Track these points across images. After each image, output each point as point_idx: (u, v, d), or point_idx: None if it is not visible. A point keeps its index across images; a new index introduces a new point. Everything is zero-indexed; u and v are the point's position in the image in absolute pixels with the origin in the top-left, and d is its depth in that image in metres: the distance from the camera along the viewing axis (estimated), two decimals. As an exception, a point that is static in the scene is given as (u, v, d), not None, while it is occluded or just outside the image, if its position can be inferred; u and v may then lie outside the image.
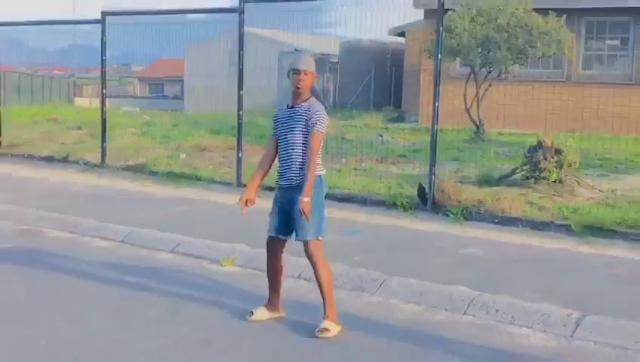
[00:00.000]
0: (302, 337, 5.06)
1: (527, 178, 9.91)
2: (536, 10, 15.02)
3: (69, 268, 6.74)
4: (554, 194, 9.38)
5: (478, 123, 15.46)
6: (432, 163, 9.05)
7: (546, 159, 9.66)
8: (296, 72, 5.06)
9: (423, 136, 13.98)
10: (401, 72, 24.36)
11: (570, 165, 9.72)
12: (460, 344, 5.00)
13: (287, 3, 12.21)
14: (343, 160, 12.29)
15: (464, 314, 5.57)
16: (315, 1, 11.82)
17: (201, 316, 5.49)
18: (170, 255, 7.30)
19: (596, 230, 7.87)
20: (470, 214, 8.61)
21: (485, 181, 10.07)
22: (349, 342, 4.97)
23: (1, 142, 14.55)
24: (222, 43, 22.88)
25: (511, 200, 8.89)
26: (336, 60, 26.56)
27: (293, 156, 5.10)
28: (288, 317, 5.38)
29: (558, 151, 9.72)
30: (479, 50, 15.08)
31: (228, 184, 10.79)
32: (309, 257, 5.07)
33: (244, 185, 10.38)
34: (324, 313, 5.06)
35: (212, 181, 11.09)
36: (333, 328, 5.00)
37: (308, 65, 5.10)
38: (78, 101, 38.95)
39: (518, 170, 10.17)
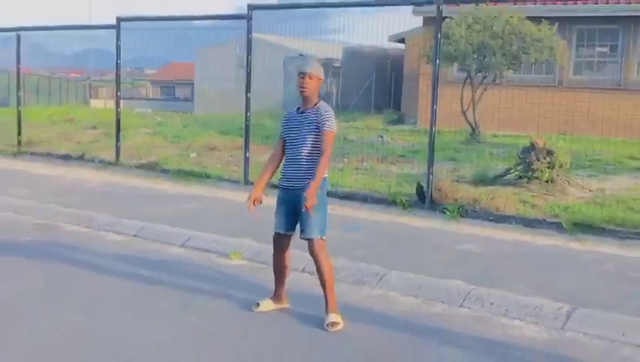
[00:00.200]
0: (306, 328, 5.07)
1: (521, 178, 9.90)
2: (530, 18, 15.00)
3: (84, 261, 6.75)
4: (546, 194, 9.37)
5: (473, 125, 15.44)
6: (430, 163, 9.04)
7: (538, 160, 9.65)
8: (302, 75, 5.05)
9: (422, 137, 13.97)
10: (400, 77, 24.34)
11: (561, 166, 9.71)
12: (456, 335, 5.00)
13: (292, 10, 12.20)
14: (345, 159, 12.30)
15: (460, 306, 5.57)
16: (319, 9, 11.80)
17: (210, 307, 5.49)
18: (181, 249, 7.31)
19: (586, 227, 7.85)
20: (466, 212, 8.60)
21: (480, 180, 10.06)
22: (351, 332, 4.97)
23: (20, 141, 14.56)
24: (230, 48, 22.92)
25: (505, 198, 8.88)
26: (339, 65, 26.54)
27: (302, 161, 5.07)
28: (293, 309, 5.39)
29: (549, 153, 9.71)
30: (475, 56, 15.05)
31: (236, 182, 10.79)
32: (313, 255, 5.05)
33: (251, 183, 10.43)
34: (327, 306, 5.05)
35: (221, 179, 11.09)
36: (339, 320, 5.00)
37: (313, 68, 5.07)
38: (93, 102, 39.03)
39: (512, 170, 10.16)
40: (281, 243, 5.31)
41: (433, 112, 9.04)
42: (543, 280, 6.13)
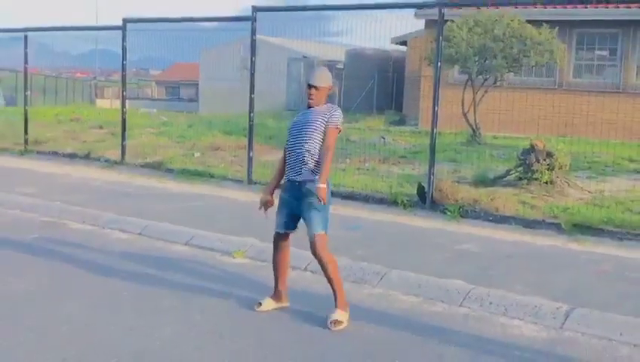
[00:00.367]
0: (307, 326, 5.06)
1: (520, 179, 9.90)
2: (530, 21, 14.99)
3: (89, 259, 6.75)
4: (545, 195, 9.37)
5: (474, 127, 15.43)
6: (431, 164, 9.04)
7: (538, 161, 9.64)
8: (309, 86, 5.07)
9: (423, 138, 13.98)
10: (402, 78, 24.35)
11: (560, 167, 9.71)
12: (456, 334, 5.00)
13: (296, 12, 12.21)
14: (348, 160, 12.30)
15: (460, 305, 5.57)
16: (322, 12, 11.80)
17: (213, 305, 5.49)
18: (185, 247, 7.31)
19: (585, 228, 7.85)
20: (466, 212, 8.60)
21: (481, 181, 10.06)
22: (352, 331, 4.96)
23: (27, 140, 14.59)
24: (235, 49, 22.91)
25: (505, 199, 8.88)
26: (342, 67, 26.57)
27: (303, 152, 5.05)
28: (294, 307, 5.38)
29: (549, 154, 9.70)
30: (476, 59, 15.04)
31: (239, 181, 10.81)
32: (316, 254, 5.03)
33: (255, 183, 10.48)
34: (335, 303, 5.04)
35: (224, 178, 11.10)
36: (344, 318, 4.99)
37: (321, 80, 5.07)
38: (99, 102, 39.11)
39: (512, 172, 10.15)
40: (282, 243, 5.31)
41: (434, 114, 9.04)
42: (542, 280, 6.12)
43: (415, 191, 9.21)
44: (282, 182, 5.33)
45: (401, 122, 21.01)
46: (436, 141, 9.13)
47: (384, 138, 15.30)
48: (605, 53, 18.92)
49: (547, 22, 15.21)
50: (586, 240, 7.61)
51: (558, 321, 5.18)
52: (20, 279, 6.09)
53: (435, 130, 9.07)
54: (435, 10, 9.41)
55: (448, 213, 8.62)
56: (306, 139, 5.06)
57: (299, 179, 5.08)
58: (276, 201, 5.31)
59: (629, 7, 17.13)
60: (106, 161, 12.89)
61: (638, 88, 17.83)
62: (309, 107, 5.13)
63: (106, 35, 15.44)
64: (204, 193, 10.11)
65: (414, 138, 15.73)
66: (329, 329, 4.91)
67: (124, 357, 4.47)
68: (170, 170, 11.82)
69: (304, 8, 11.50)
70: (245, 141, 11.25)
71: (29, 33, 14.48)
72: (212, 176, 11.21)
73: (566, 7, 17.19)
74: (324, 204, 4.95)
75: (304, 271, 6.30)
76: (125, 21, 12.55)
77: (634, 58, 18.17)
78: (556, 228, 7.97)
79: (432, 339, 4.88)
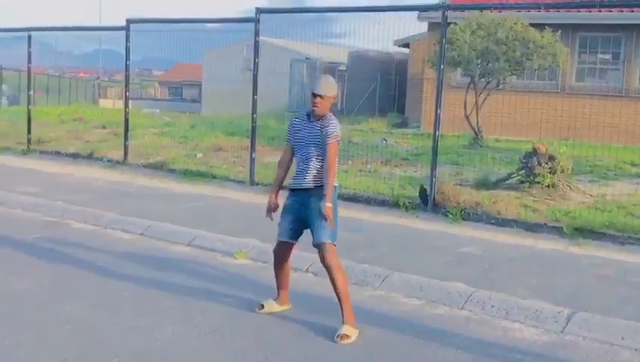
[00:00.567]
0: (308, 328, 5.06)
1: (522, 182, 9.89)
2: (533, 25, 14.98)
3: (91, 259, 6.76)
4: (547, 198, 9.36)
5: (476, 130, 15.42)
6: (433, 166, 9.04)
7: (540, 165, 9.63)
8: (314, 95, 5.04)
9: (425, 141, 13.97)
10: (404, 81, 24.36)
11: (562, 171, 9.70)
12: (457, 337, 4.99)
13: (299, 14, 12.22)
14: (350, 162, 12.29)
15: (461, 308, 5.56)
16: (325, 13, 11.80)
17: (214, 306, 5.49)
18: (187, 248, 7.31)
19: (586, 232, 7.84)
20: (468, 215, 8.60)
21: (483, 184, 10.05)
22: (353, 332, 4.96)
23: (30, 140, 14.59)
24: (238, 50, 22.93)
25: (507, 202, 8.88)
26: (345, 68, 26.57)
27: (309, 165, 5.05)
28: (296, 309, 5.38)
29: (551, 158, 9.69)
30: (479, 62, 15.04)
31: (241, 182, 10.80)
32: (324, 263, 4.95)
33: (257, 184, 10.48)
34: (343, 318, 4.92)
35: (227, 179, 11.10)
36: (351, 333, 4.86)
37: (325, 89, 5.03)
38: (102, 102, 39.12)
39: (514, 175, 10.14)
40: (284, 252, 5.25)
41: (437, 116, 9.03)
42: (544, 283, 6.11)
43: (417, 194, 9.20)
44: (288, 183, 5.29)
45: (404, 124, 21.01)
46: (438, 143, 9.12)
47: (386, 140, 15.30)
48: (608, 56, 18.91)
49: (550, 25, 15.20)
50: (588, 244, 7.59)
51: (560, 325, 5.17)
52: (21, 279, 6.09)
53: (437, 133, 9.06)
54: (439, 13, 9.40)
55: (450, 216, 8.61)
56: (313, 155, 5.04)
57: (306, 186, 5.05)
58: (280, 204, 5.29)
59: (633, 11, 17.15)
60: (108, 160, 12.89)
61: (641, 92, 17.81)
62: (313, 114, 5.09)
63: (110, 35, 15.46)
64: (206, 194, 10.10)
65: (416, 140, 15.72)
66: (335, 342, 4.78)
67: (125, 357, 4.47)
68: (172, 171, 11.82)
69: (307, 10, 11.51)
70: (248, 142, 11.25)
71: (33, 33, 14.48)
72: (214, 177, 11.21)
73: (569, 11, 17.21)
74: (331, 224, 4.87)
75: (306, 273, 6.30)
76: (129, 22, 12.55)
77: (637, 62, 18.15)
78: (558, 231, 7.96)
79: (434, 342, 4.87)
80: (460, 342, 4.90)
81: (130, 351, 4.57)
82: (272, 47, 22.13)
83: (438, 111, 9.01)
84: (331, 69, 25.79)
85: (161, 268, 6.48)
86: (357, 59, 26.00)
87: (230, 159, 12.84)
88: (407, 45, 23.26)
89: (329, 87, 5.07)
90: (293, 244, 5.23)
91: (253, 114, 10.78)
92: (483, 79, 15.39)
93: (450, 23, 10.81)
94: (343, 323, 4.91)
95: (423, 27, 19.51)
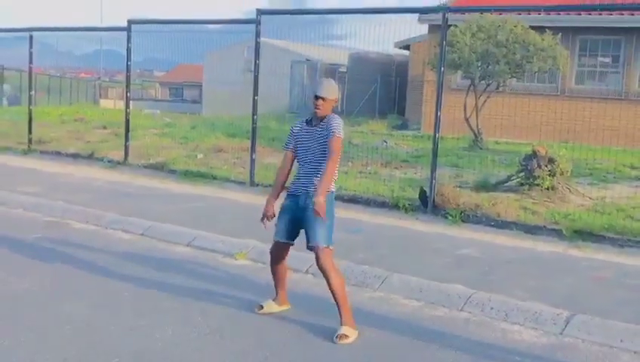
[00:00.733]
0: (307, 328, 5.06)
1: (522, 185, 9.89)
2: (534, 27, 14.99)
3: (91, 259, 6.76)
4: (546, 201, 9.36)
5: (476, 132, 15.43)
6: (433, 168, 9.04)
7: (539, 167, 9.64)
8: (316, 97, 5.05)
9: (425, 142, 13.99)
10: (405, 83, 24.37)
11: (562, 173, 9.70)
12: (456, 338, 5.00)
13: (300, 16, 12.23)
14: (350, 163, 12.30)
15: (461, 310, 5.57)
16: (326, 15, 11.81)
17: (214, 306, 5.49)
18: (187, 248, 7.32)
19: (586, 235, 7.84)
20: (468, 217, 8.60)
21: (482, 186, 10.05)
22: (353, 333, 4.96)
23: (31, 140, 14.60)
24: (239, 51, 22.94)
25: (506, 205, 8.88)
26: (345, 70, 26.58)
27: (311, 172, 5.05)
28: (295, 310, 5.38)
29: (551, 160, 9.70)
30: (479, 64, 15.05)
31: (242, 183, 10.81)
32: (320, 266, 4.93)
33: (257, 185, 10.48)
34: (341, 319, 4.91)
35: (227, 180, 11.10)
36: (350, 333, 4.86)
37: (327, 92, 5.05)
38: (103, 103, 39.13)
39: (514, 177, 10.15)
40: (280, 253, 5.24)
41: (437, 118, 9.04)
42: (543, 285, 6.12)
43: (417, 196, 9.21)
44: (288, 185, 5.29)
45: (404, 126, 21.02)
46: (438, 146, 9.13)
47: (386, 142, 15.31)
48: (608, 59, 18.92)
49: (550, 28, 15.21)
50: (587, 246, 7.60)
51: (559, 327, 5.17)
52: (22, 278, 6.09)
53: (437, 135, 9.07)
54: (439, 16, 9.41)
55: (450, 218, 8.62)
56: (314, 160, 5.04)
57: (304, 190, 5.05)
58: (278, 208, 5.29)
59: (633, 15, 17.15)
60: (109, 161, 12.90)
61: (641, 95, 17.83)
62: (315, 116, 5.09)
63: (111, 35, 15.46)
64: (206, 194, 10.11)
65: (416, 142, 15.73)
66: (334, 342, 4.77)
67: (125, 357, 4.47)
68: (173, 171, 11.83)
69: (308, 12, 11.52)
70: (248, 143, 11.25)
71: (34, 33, 14.49)
72: (215, 178, 11.21)
73: (569, 14, 17.21)
74: (323, 218, 4.84)
75: (305, 274, 6.31)
76: (130, 22, 12.56)
77: (637, 65, 18.16)
78: (557, 234, 7.96)
79: (433, 344, 4.87)
80: (459, 343, 4.90)
81: (130, 351, 4.58)
82: (272, 49, 22.15)
83: (438, 113, 9.02)
84: (332, 70, 25.81)
85: (161, 269, 6.49)
86: (357, 61, 26.01)
87: (230, 160, 12.84)
88: (407, 47, 23.28)
89: (331, 90, 5.08)
90: (289, 245, 5.22)
91: (253, 115, 10.78)
92: (483, 81, 15.40)
93: (450, 26, 10.81)
94: (342, 324, 4.91)
95: (423, 29, 19.54)
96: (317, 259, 4.94)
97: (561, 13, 17.07)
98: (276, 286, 5.39)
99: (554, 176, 9.61)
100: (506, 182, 10.17)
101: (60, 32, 16.80)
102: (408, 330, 5.10)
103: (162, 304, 5.53)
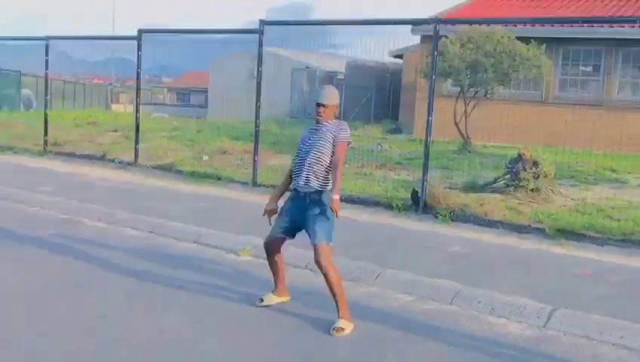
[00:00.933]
0: (305, 321, 5.06)
1: (508, 186, 9.89)
2: (520, 38, 15.00)
3: (102, 255, 6.75)
4: (531, 201, 9.36)
5: (465, 136, 15.43)
6: (425, 170, 9.04)
7: (525, 170, 9.64)
8: (318, 105, 5.03)
9: (417, 146, 13.99)
10: (398, 89, 24.35)
11: (546, 175, 9.70)
12: (446, 331, 5.00)
13: (301, 26, 12.23)
14: (347, 165, 12.27)
15: (450, 304, 5.57)
16: (325, 26, 11.81)
17: (219, 300, 5.49)
18: (193, 245, 7.31)
19: (568, 233, 7.85)
20: (457, 216, 8.60)
21: (471, 188, 10.05)
22: (348, 326, 4.96)
23: (47, 142, 14.59)
24: (243, 59, 22.92)
25: (493, 205, 8.88)
26: (342, 77, 26.57)
27: (312, 165, 4.98)
28: (294, 304, 5.38)
29: (535, 163, 9.70)
30: (468, 73, 15.04)
31: (245, 183, 10.80)
32: (318, 262, 4.90)
33: (259, 185, 10.48)
34: (338, 313, 4.92)
35: (231, 180, 11.09)
36: (347, 326, 4.86)
37: (328, 99, 5.03)
38: (114, 107, 39.07)
39: (500, 179, 10.15)
40: (275, 247, 5.22)
41: (428, 123, 9.04)
42: (527, 281, 6.12)
43: (409, 196, 9.21)
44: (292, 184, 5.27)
45: (397, 131, 21.00)
46: (430, 149, 9.13)
47: (381, 145, 15.30)
48: (589, 69, 18.94)
49: (535, 39, 15.23)
50: (569, 244, 7.60)
51: (542, 320, 5.18)
52: (37, 273, 6.10)
53: (428, 139, 9.07)
54: (431, 27, 9.40)
55: (440, 217, 8.62)
56: (316, 153, 4.98)
57: (306, 190, 5.00)
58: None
59: (612, 27, 17.19)
60: (120, 162, 12.89)
61: (620, 102, 17.84)
62: (317, 123, 5.07)
63: (122, 44, 15.41)
64: (211, 194, 10.10)
65: (409, 146, 15.73)
66: (331, 334, 4.77)
67: (134, 346, 4.47)
68: (180, 172, 11.82)
69: (308, 22, 11.51)
70: (251, 146, 11.25)
71: (50, 41, 14.48)
72: (219, 179, 11.21)
73: (553, 26, 17.25)
74: (338, 216, 4.81)
75: (304, 269, 6.30)
76: (141, 31, 12.56)
77: (616, 74, 18.18)
78: (541, 232, 7.97)
79: (424, 336, 4.88)
80: (448, 335, 4.90)
81: (139, 341, 4.58)
82: (275, 57, 22.18)
83: (430, 118, 9.02)
84: (330, 77, 25.81)
85: (168, 264, 6.48)
86: (354, 69, 26.00)
87: (234, 162, 12.83)
88: (401, 56, 23.27)
89: (332, 97, 5.07)
90: (283, 239, 5.20)
91: (256, 119, 10.78)
92: (472, 89, 15.40)
93: (441, 36, 10.80)
94: (339, 317, 4.91)
95: (416, 40, 19.53)
96: (316, 254, 4.93)
97: (545, 25, 17.15)
98: (275, 279, 5.39)
99: (538, 178, 9.61)
100: (493, 183, 10.17)
101: (74, 41, 16.79)
102: (401, 323, 5.11)
103: (169, 297, 5.53)
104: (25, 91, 29.19)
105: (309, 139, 5.10)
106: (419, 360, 4.50)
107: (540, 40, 15.36)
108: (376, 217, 8.77)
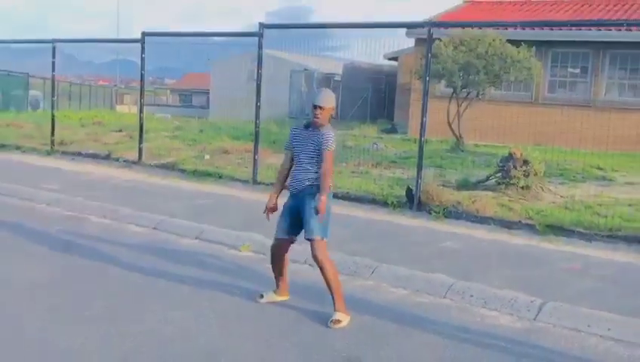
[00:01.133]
0: (304, 315, 5.06)
1: (499, 184, 9.89)
2: (511, 41, 15.00)
3: (107, 250, 6.74)
4: (521, 198, 9.37)
5: (458, 136, 15.44)
6: (419, 168, 9.04)
7: (515, 168, 9.64)
8: (315, 107, 5.03)
9: (412, 145, 13.98)
10: (394, 91, 24.35)
11: (535, 174, 9.70)
12: (439, 323, 5.00)
13: (300, 29, 12.22)
14: (344, 164, 12.28)
15: (443, 297, 5.57)
16: (323, 29, 11.80)
17: (220, 294, 5.48)
18: (195, 241, 7.30)
19: (557, 229, 7.85)
20: (450, 213, 8.60)
21: (463, 185, 10.05)
22: (345, 318, 4.96)
23: (54, 141, 14.56)
24: (243, 61, 22.91)
25: (485, 202, 8.88)
26: (339, 79, 26.57)
27: (308, 169, 5.02)
28: (293, 298, 5.37)
29: (525, 162, 9.70)
30: (461, 74, 15.04)
31: (245, 181, 10.79)
32: (315, 257, 4.93)
33: (259, 183, 10.47)
34: (334, 306, 4.93)
35: (232, 179, 11.08)
36: (343, 318, 4.88)
37: (325, 102, 5.02)
38: (119, 108, 39.01)
39: (492, 177, 10.15)
40: (282, 249, 5.22)
41: (422, 123, 9.03)
42: (518, 275, 6.12)
43: (404, 193, 9.20)
44: (288, 184, 5.27)
45: (393, 130, 21.00)
46: (424, 148, 9.13)
47: (377, 144, 15.29)
48: (577, 70, 18.95)
49: (525, 42, 15.24)
50: (558, 240, 7.61)
51: (532, 313, 5.18)
52: (44, 267, 6.09)
53: (422, 138, 9.07)
54: (425, 30, 9.41)
55: (433, 214, 8.62)
56: (306, 158, 5.03)
57: (300, 187, 5.04)
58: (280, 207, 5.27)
59: (599, 30, 17.19)
60: (124, 161, 12.86)
61: (607, 103, 17.86)
62: (314, 124, 5.07)
63: (126, 46, 15.39)
64: (213, 192, 10.09)
65: (404, 145, 15.72)
66: (328, 327, 4.78)
67: (138, 338, 4.47)
68: (182, 171, 11.80)
69: (307, 26, 11.50)
70: (251, 145, 11.23)
71: (57, 44, 14.45)
72: (220, 177, 11.19)
73: (543, 29, 17.24)
74: (322, 214, 4.85)
75: (302, 265, 6.29)
76: (144, 34, 12.52)
77: (603, 76, 18.20)
78: (531, 228, 7.97)
79: (418, 327, 4.88)
80: (442, 327, 4.91)
81: (143, 332, 4.57)
82: (274, 59, 22.14)
83: (424, 118, 9.01)
84: (327, 79, 25.81)
85: (171, 260, 6.48)
86: (351, 71, 26.01)
87: (235, 160, 12.82)
88: (396, 58, 23.26)
89: (329, 100, 5.07)
90: (290, 240, 5.21)
91: (256, 119, 10.77)
92: (464, 90, 15.40)
93: (435, 39, 10.82)
94: (336, 309, 4.92)
95: (410, 43, 19.54)
96: (312, 249, 4.95)
97: (535, 28, 17.14)
98: (276, 278, 5.37)
99: (528, 176, 9.61)
100: (485, 181, 10.17)
101: (80, 43, 16.76)
102: (396, 315, 5.11)
103: (172, 291, 5.52)
104: (33, 92, 29.17)
105: (300, 145, 5.10)
106: (413, 351, 4.50)
107: (530, 43, 15.38)
108: (372, 214, 8.77)
